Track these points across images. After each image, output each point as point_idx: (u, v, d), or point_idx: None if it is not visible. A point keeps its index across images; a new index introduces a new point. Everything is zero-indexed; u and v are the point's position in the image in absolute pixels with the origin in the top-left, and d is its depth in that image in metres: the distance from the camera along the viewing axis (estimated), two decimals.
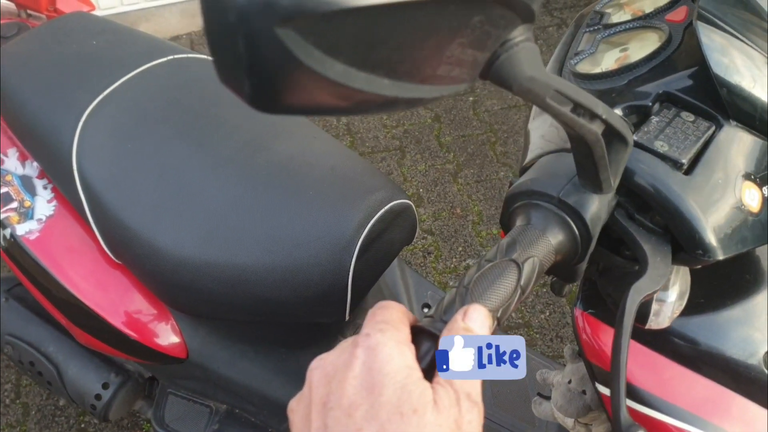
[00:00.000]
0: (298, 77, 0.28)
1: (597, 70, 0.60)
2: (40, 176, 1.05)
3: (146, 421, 1.58)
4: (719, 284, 0.63)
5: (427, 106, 2.30)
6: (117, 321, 1.00)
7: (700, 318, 0.61)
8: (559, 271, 0.52)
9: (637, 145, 0.51)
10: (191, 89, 1.01)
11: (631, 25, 0.63)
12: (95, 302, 1.00)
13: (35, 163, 1.05)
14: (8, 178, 1.04)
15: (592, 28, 0.66)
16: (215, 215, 0.88)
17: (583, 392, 0.72)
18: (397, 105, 0.33)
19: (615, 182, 0.48)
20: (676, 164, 0.50)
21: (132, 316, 1.01)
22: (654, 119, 0.53)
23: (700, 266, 0.54)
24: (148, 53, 1.05)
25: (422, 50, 0.31)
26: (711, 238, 0.49)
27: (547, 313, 1.77)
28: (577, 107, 0.41)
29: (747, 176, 0.52)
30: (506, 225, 0.53)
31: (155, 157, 0.93)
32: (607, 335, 0.63)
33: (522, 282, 0.44)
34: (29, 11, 1.21)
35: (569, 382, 0.74)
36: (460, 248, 1.93)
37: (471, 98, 2.37)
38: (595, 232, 0.49)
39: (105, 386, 1.17)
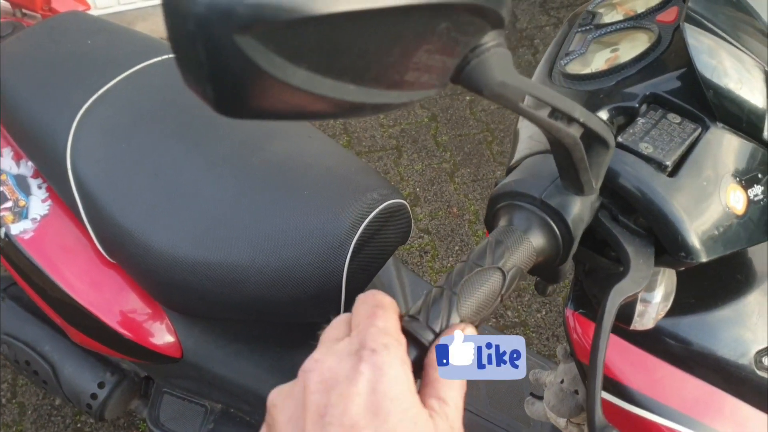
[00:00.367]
0: (260, 84, 0.28)
1: (587, 70, 0.60)
2: (35, 176, 1.05)
3: (142, 420, 1.58)
4: (710, 284, 0.63)
5: (422, 104, 2.30)
6: (112, 320, 1.00)
7: (692, 318, 0.61)
8: (542, 271, 0.52)
9: (621, 146, 0.51)
10: (186, 89, 1.00)
11: (622, 26, 0.63)
12: (90, 302, 1.00)
13: (30, 163, 1.05)
14: (3, 177, 1.04)
15: (583, 28, 0.66)
16: (210, 215, 0.88)
17: (576, 392, 0.72)
18: (365, 110, 0.33)
19: (597, 184, 0.48)
20: (660, 166, 0.50)
21: (127, 316, 1.01)
22: (640, 121, 0.53)
23: (683, 268, 0.53)
24: (143, 52, 1.05)
25: (388, 57, 0.31)
26: (694, 241, 0.49)
27: (544, 312, 1.78)
28: (555, 111, 0.41)
29: (732, 178, 0.51)
30: (490, 225, 0.53)
31: (150, 156, 0.93)
32: None
33: (503, 290, 0.44)
34: (24, 10, 1.21)
35: (562, 381, 0.74)
36: (457, 247, 1.93)
37: (468, 97, 2.37)
38: (577, 233, 0.49)
39: (101, 385, 1.17)
